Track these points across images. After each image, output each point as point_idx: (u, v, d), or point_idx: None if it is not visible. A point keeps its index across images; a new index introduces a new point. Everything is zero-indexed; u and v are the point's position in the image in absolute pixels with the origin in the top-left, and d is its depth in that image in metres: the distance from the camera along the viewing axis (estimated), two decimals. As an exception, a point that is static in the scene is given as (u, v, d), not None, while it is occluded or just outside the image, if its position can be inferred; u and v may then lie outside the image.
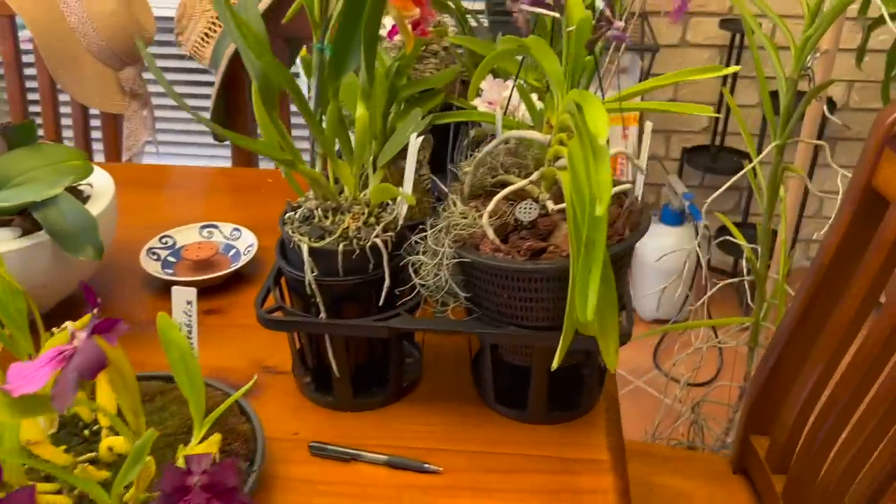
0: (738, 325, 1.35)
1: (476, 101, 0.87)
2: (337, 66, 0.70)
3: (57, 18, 1.38)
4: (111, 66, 1.45)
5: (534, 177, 0.66)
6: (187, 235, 0.99)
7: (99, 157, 1.60)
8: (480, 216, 0.66)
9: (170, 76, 2.39)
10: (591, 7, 0.61)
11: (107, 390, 0.65)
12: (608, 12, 0.56)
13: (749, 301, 1.28)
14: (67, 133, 1.54)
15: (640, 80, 1.97)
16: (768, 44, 1.13)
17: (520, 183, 0.67)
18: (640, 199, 0.68)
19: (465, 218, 0.66)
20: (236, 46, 1.29)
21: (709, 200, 1.28)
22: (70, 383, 0.41)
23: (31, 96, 1.53)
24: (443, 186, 0.72)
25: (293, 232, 0.69)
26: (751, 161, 1.13)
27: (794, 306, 0.96)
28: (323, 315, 0.69)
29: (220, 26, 1.33)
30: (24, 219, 0.80)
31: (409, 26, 0.70)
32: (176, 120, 2.49)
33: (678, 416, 1.52)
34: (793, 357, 0.98)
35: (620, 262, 0.67)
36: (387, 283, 0.69)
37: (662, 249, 2.06)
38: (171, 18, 1.50)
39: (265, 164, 1.47)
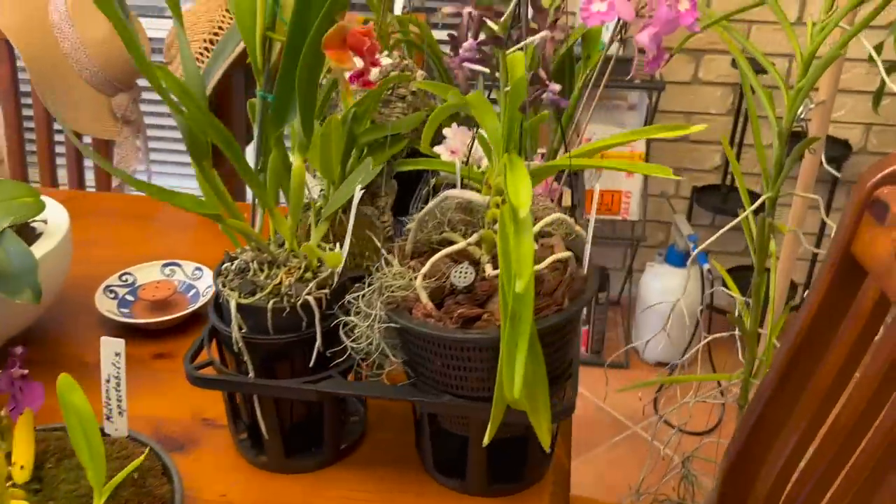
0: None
1: (439, 149, 0.84)
2: (279, 115, 0.68)
3: (50, 44, 1.38)
4: (104, 92, 1.45)
5: (472, 239, 0.63)
6: (148, 273, 0.97)
7: (91, 183, 1.59)
8: (415, 278, 0.62)
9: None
10: (533, 67, 0.58)
11: (21, 444, 0.63)
12: (542, 74, 0.53)
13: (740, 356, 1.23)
14: (61, 150, 1.54)
15: (647, 118, 1.93)
16: (760, 89, 1.09)
17: (459, 245, 0.63)
18: (587, 264, 0.65)
19: (399, 279, 0.62)
20: (218, 77, 1.27)
21: (703, 245, 1.23)
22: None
23: (26, 112, 1.53)
24: (377, 243, 0.68)
25: (224, 285, 0.67)
26: (762, 203, 1.08)
27: (774, 369, 0.92)
28: (251, 374, 0.66)
29: (208, 56, 1.32)
30: (-33, 257, 0.78)
31: (354, 77, 0.67)
32: (171, 139, 2.48)
33: (671, 468, 1.46)
34: (772, 422, 0.93)
35: (562, 332, 0.63)
36: (318, 344, 0.65)
37: (666, 290, 2.01)
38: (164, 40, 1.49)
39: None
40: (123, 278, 0.96)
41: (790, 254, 1.18)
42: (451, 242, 0.66)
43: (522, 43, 0.54)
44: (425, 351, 0.62)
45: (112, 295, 0.94)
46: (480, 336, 0.59)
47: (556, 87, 0.53)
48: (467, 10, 0.57)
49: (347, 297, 0.64)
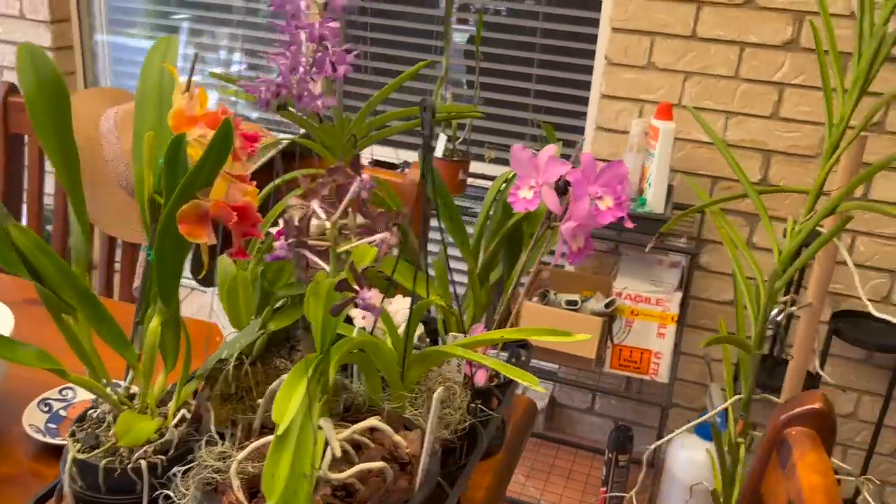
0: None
1: (354, 312, 0.83)
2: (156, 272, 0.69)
3: (95, 149, 1.49)
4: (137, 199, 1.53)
5: (297, 430, 0.61)
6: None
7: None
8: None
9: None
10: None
11: None
12: (351, 279, 0.52)
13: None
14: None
15: (682, 279, 1.86)
16: (743, 282, 1.03)
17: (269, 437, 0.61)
18: (422, 475, 0.61)
19: (220, 459, 0.61)
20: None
21: (734, 415, 1.15)
22: None
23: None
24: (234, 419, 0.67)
25: (71, 435, 0.67)
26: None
27: None
28: (79, 531, 0.66)
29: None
30: None
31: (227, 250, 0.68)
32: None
33: None
34: None
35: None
36: (142, 511, 0.64)
37: (692, 462, 1.89)
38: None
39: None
40: (63, 393, 0.99)
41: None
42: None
43: (348, 246, 0.54)
44: (236, 541, 0.60)
45: (46, 409, 0.96)
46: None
47: (367, 293, 0.52)
48: (314, 201, 0.57)
49: (174, 469, 0.63)
